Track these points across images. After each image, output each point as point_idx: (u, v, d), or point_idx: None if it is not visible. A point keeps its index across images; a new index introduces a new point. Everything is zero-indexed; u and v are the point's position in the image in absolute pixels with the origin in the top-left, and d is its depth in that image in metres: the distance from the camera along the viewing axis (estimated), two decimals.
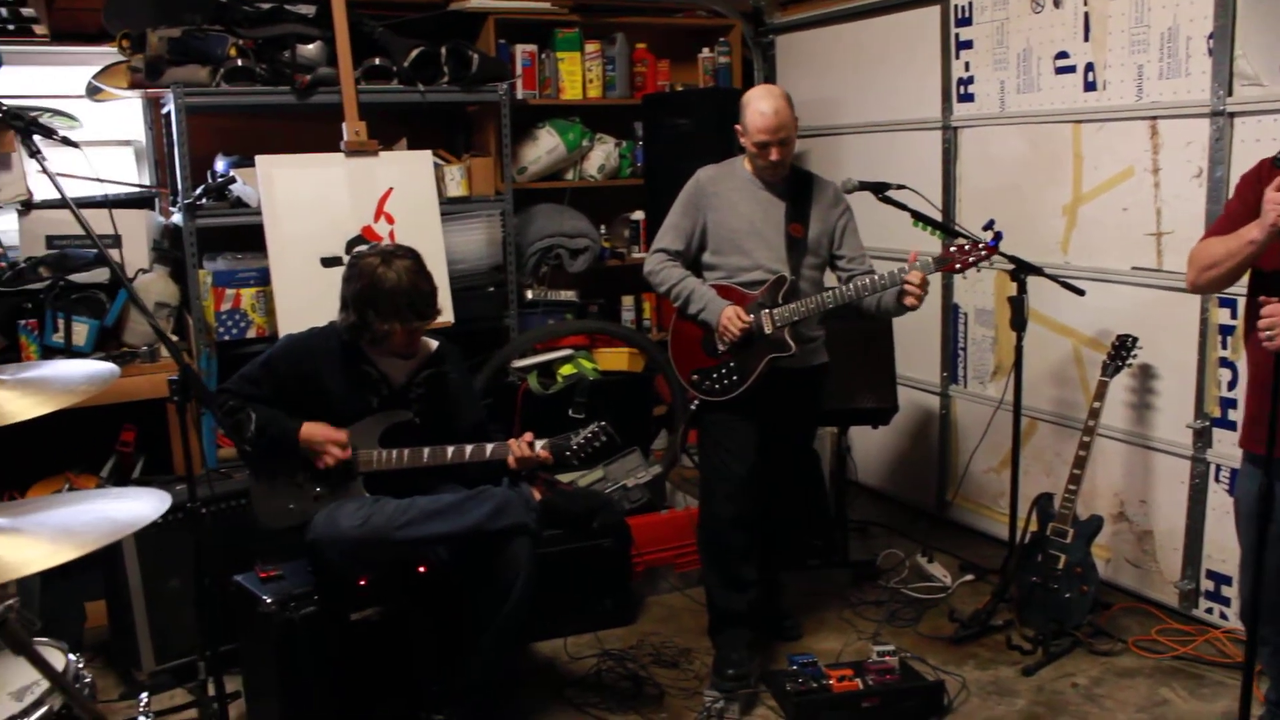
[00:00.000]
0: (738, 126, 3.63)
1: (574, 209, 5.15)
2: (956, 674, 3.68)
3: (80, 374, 2.01)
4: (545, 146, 5.00)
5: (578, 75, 5.15)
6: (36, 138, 2.82)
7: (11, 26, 4.02)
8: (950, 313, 4.89)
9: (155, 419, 4.14)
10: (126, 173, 4.78)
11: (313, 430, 3.28)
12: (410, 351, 3.38)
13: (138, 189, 4.67)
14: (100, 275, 4.11)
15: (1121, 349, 3.83)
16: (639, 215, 5.31)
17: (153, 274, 4.22)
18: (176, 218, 4.38)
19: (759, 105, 3.54)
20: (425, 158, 4.47)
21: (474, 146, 5.03)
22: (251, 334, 4.23)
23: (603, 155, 5.21)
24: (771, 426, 3.71)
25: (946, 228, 3.86)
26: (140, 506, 1.35)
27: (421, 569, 3.35)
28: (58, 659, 1.97)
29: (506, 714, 3.39)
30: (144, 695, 1.76)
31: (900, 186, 3.80)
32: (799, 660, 3.63)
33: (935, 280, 4.78)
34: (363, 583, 3.33)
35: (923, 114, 4.86)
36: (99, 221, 4.18)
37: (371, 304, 3.22)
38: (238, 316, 4.20)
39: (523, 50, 5.05)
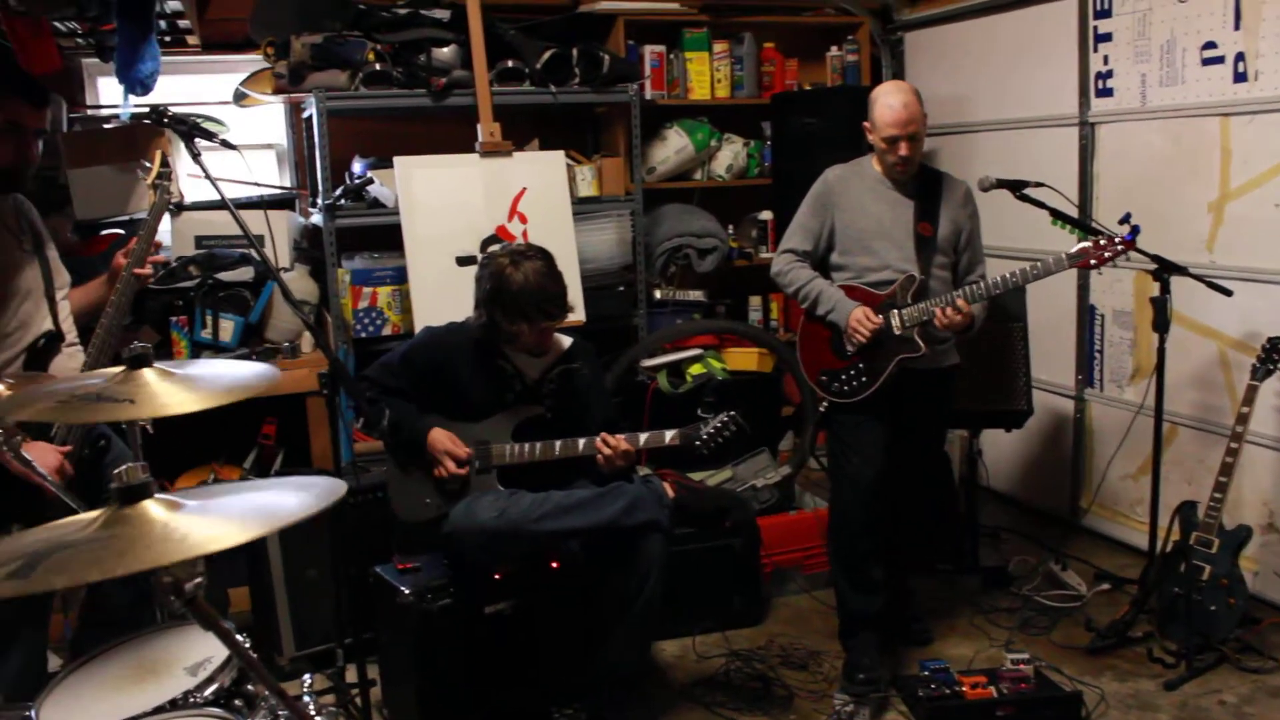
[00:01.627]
0: (866, 123, 3.60)
1: (702, 209, 5.16)
2: (1094, 685, 3.58)
3: (245, 374, 2.09)
4: (674, 146, 5.01)
5: (706, 75, 5.15)
6: (197, 141, 2.92)
7: (168, 38, 4.18)
8: (1086, 314, 4.76)
9: (294, 413, 4.28)
10: (268, 175, 4.94)
11: (438, 438, 3.35)
12: (542, 349, 3.43)
13: (280, 191, 4.82)
14: (245, 274, 4.27)
15: (1273, 352, 3.68)
16: (766, 215, 5.30)
17: (293, 273, 4.36)
18: (316, 218, 4.51)
19: (888, 100, 3.50)
20: (558, 158, 4.52)
21: (603, 147, 5.08)
22: (387, 331, 4.33)
23: (730, 155, 5.21)
24: (901, 428, 3.67)
25: (1085, 225, 3.77)
26: (318, 491, 1.39)
27: (554, 564, 3.39)
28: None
29: (635, 710, 3.41)
30: (307, 676, 1.81)
31: (1038, 184, 3.72)
32: (930, 666, 3.57)
33: (1070, 280, 4.68)
34: (497, 576, 3.38)
35: (1058, 110, 4.74)
36: (247, 221, 4.36)
37: (500, 304, 3.28)
38: (374, 314, 4.31)
39: (651, 51, 5.07)
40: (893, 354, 3.54)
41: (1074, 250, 3.39)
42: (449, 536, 3.29)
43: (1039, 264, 3.38)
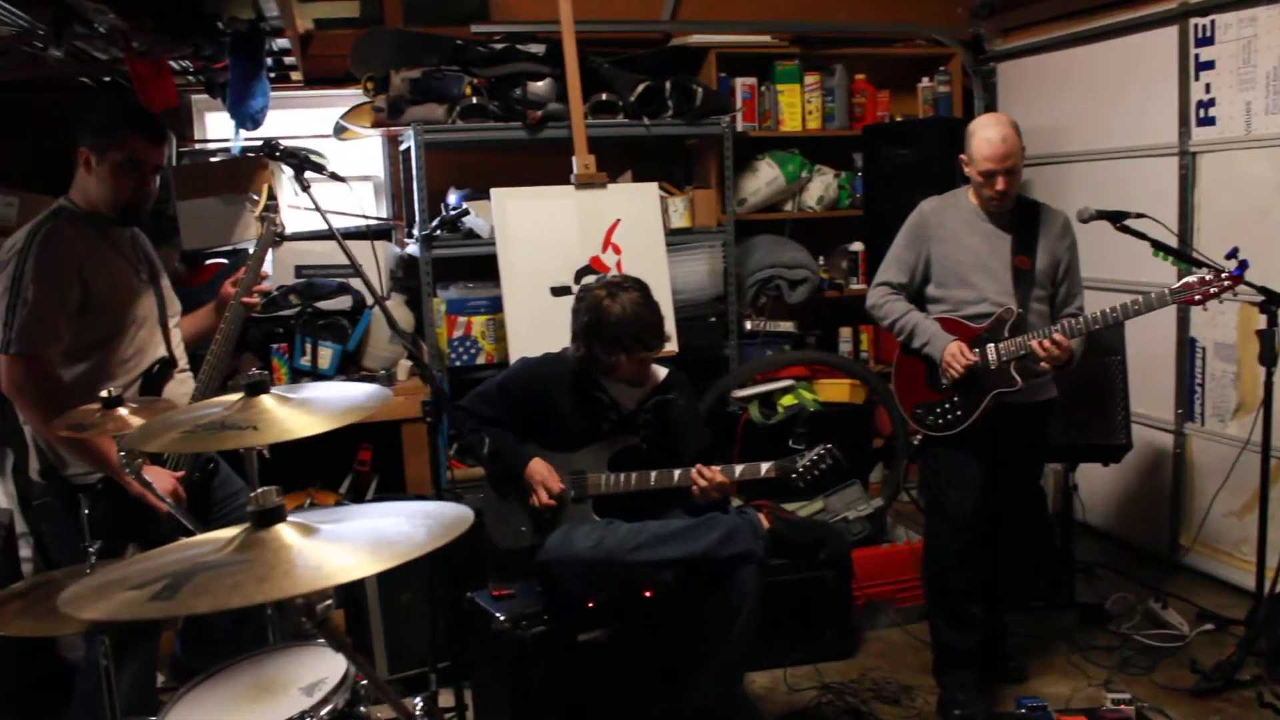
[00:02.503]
0: (963, 156, 3.58)
1: (793, 240, 5.16)
2: None
3: (359, 395, 2.13)
4: (765, 178, 5.03)
5: (797, 107, 5.17)
6: (307, 174, 3.01)
7: (273, 74, 4.31)
8: (1186, 347, 4.66)
9: (389, 440, 4.34)
10: (366, 207, 5.05)
11: (536, 469, 3.38)
12: (639, 380, 3.45)
13: (378, 222, 4.92)
14: (343, 303, 4.36)
15: None
16: (858, 247, 5.28)
17: (390, 302, 4.45)
18: (412, 248, 4.60)
19: (985, 133, 3.48)
20: (651, 190, 4.56)
21: (694, 179, 5.11)
22: (481, 360, 4.39)
23: (822, 186, 5.20)
24: (997, 462, 3.62)
25: (1188, 257, 3.70)
26: (446, 519, 1.42)
27: (647, 593, 3.39)
28: (340, 661, 2.08)
29: None
30: (417, 699, 1.84)
31: (1139, 215, 3.66)
32: (1028, 704, 3.51)
33: (1170, 313, 4.59)
34: (591, 605, 3.40)
35: (1157, 139, 4.67)
36: (342, 253, 4.45)
37: (598, 336, 3.31)
38: (469, 343, 4.37)
39: (743, 83, 5.10)
40: (989, 388, 3.51)
41: (1177, 286, 3.32)
42: (544, 564, 3.31)
43: (1140, 300, 3.33)
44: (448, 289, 4.43)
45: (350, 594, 3.93)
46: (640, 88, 4.55)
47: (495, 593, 3.47)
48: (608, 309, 3.28)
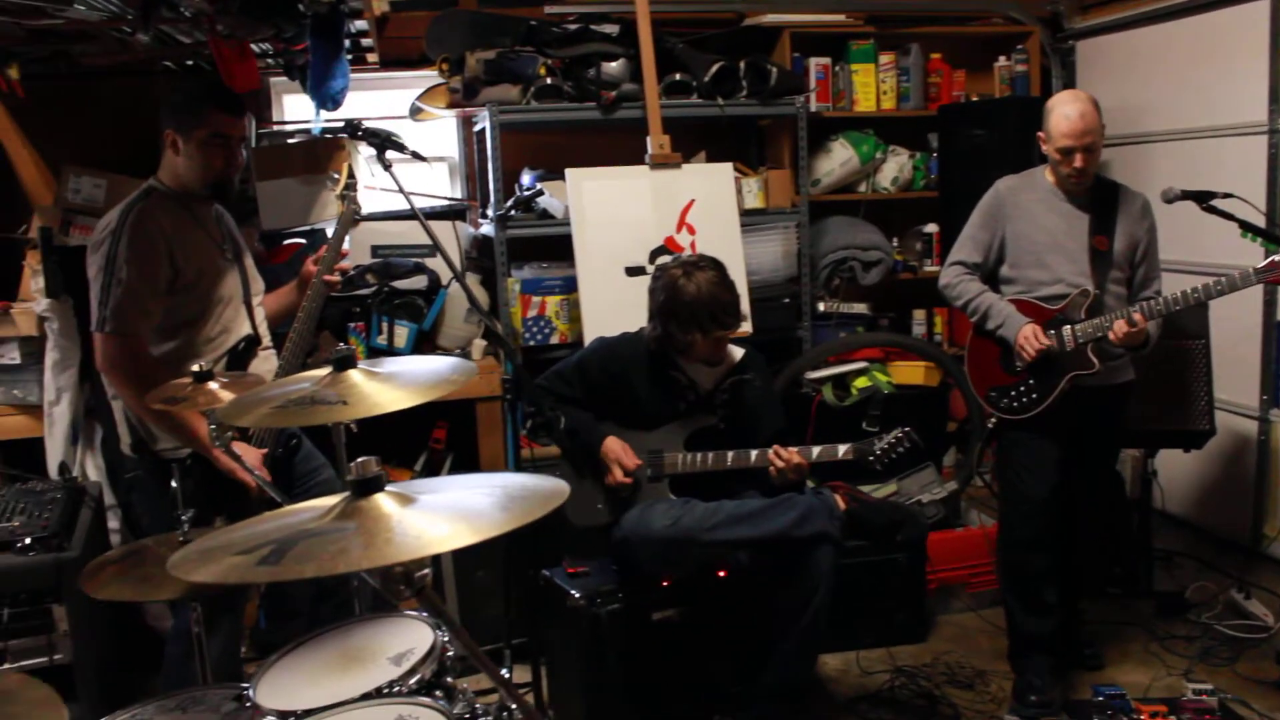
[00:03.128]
0: (1040, 134, 3.53)
1: (867, 221, 5.11)
2: None
3: (444, 369, 2.15)
4: (839, 159, 4.98)
5: (872, 87, 5.11)
6: (389, 153, 3.04)
7: (349, 56, 4.35)
8: (1273, 330, 4.55)
9: (463, 418, 4.39)
10: (440, 187, 5.08)
11: (612, 446, 3.40)
12: (716, 359, 3.45)
13: (451, 202, 4.96)
14: (419, 282, 4.40)
15: None
16: (932, 228, 5.22)
17: (466, 282, 4.47)
18: (486, 228, 4.63)
19: (1064, 109, 3.43)
20: (726, 170, 4.54)
21: (767, 159, 5.08)
22: (555, 340, 4.41)
23: (896, 167, 5.15)
24: (1072, 446, 3.58)
25: (1277, 238, 3.61)
26: (542, 492, 1.43)
27: (721, 573, 3.40)
28: (426, 632, 2.11)
29: None
30: (505, 671, 1.86)
31: (1226, 195, 3.58)
32: (1105, 691, 3.47)
33: (1256, 295, 4.48)
34: (665, 583, 3.42)
35: (1245, 118, 4.54)
36: (417, 233, 4.49)
37: (674, 315, 3.32)
38: (542, 323, 4.39)
39: (817, 63, 5.05)
40: (1064, 370, 3.46)
41: (1263, 265, 3.25)
42: (620, 542, 3.33)
43: (1223, 279, 3.26)
44: (522, 269, 4.46)
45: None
46: (715, 68, 4.52)
47: (570, 570, 3.50)
48: (683, 288, 3.29)
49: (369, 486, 1.40)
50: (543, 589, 3.54)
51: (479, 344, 4.41)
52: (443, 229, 4.54)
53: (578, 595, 3.37)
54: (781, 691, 3.32)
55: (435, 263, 4.42)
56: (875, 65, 5.12)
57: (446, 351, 4.42)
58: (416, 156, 3.20)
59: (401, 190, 3.01)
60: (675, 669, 3.42)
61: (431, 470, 4.49)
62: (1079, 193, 3.53)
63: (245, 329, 3.18)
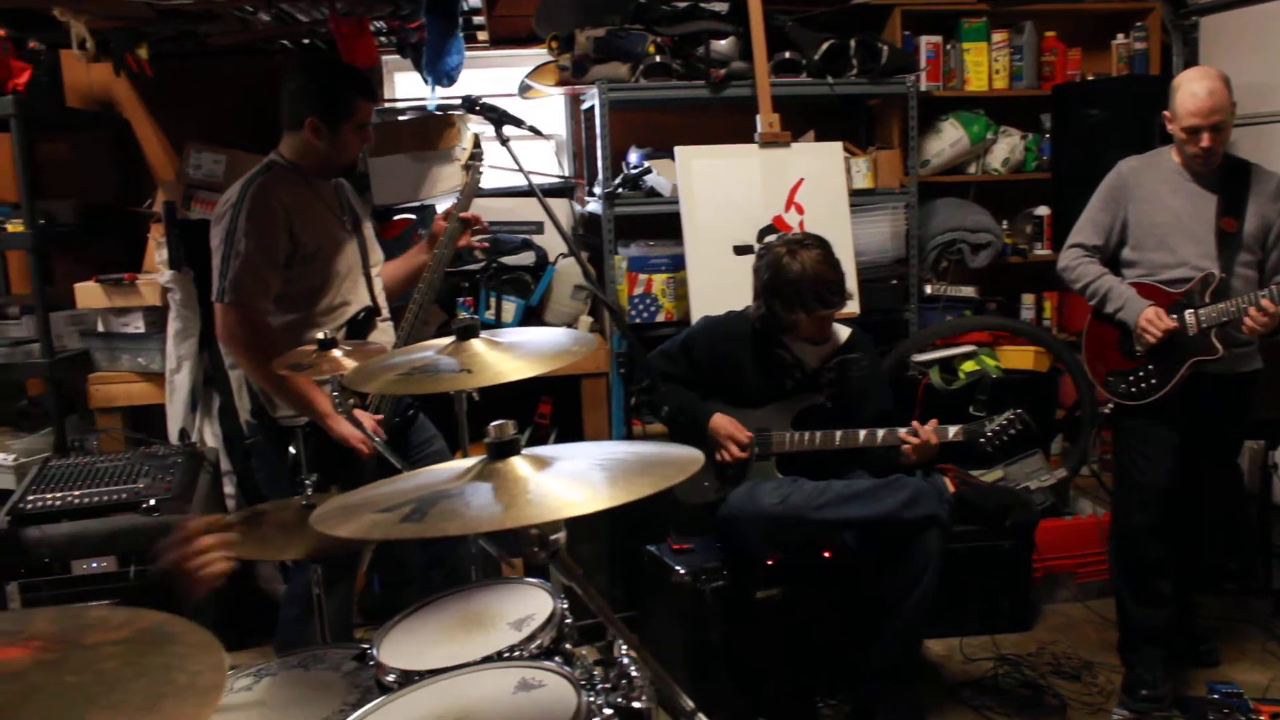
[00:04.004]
0: (1166, 112, 3.43)
1: (976, 203, 5.03)
2: None
3: (567, 340, 2.17)
4: (949, 139, 4.91)
5: (984, 66, 5.01)
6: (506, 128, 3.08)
7: (460, 34, 4.40)
8: None
9: (568, 394, 4.43)
10: (547, 164, 5.12)
11: (721, 423, 3.39)
12: (820, 338, 3.43)
13: (558, 179, 5.00)
14: (527, 259, 4.45)
15: None
16: (1043, 210, 5.11)
17: (571, 259, 4.51)
18: (592, 206, 4.66)
19: (1192, 86, 3.33)
20: (836, 149, 4.50)
21: (875, 139, 5.02)
22: (660, 318, 4.42)
23: (1007, 148, 5.04)
24: (1192, 434, 3.49)
25: None
26: (679, 458, 1.44)
27: (826, 553, 3.39)
28: (546, 600, 2.14)
29: (901, 706, 3.37)
30: (620, 643, 1.88)
31: None
32: (1221, 689, 3.38)
33: None
34: (769, 562, 3.41)
35: None
36: (525, 210, 4.55)
37: (778, 294, 3.31)
38: (649, 301, 4.41)
39: (928, 41, 4.97)
40: (1186, 356, 3.37)
41: None
42: (726, 520, 3.34)
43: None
44: (628, 246, 4.47)
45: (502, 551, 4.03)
46: (825, 46, 4.48)
47: (675, 546, 3.51)
48: (788, 266, 3.28)
49: (506, 449, 1.42)
50: (647, 564, 3.56)
51: (585, 320, 4.45)
52: (551, 206, 4.58)
53: (682, 571, 3.38)
54: (884, 674, 3.30)
55: (543, 239, 4.47)
56: (988, 44, 5.02)
57: (553, 328, 4.46)
58: (534, 131, 3.23)
59: (518, 165, 3.04)
60: (777, 648, 3.42)
61: (536, 445, 4.53)
62: (1206, 173, 3.43)
63: (364, 300, 3.24)
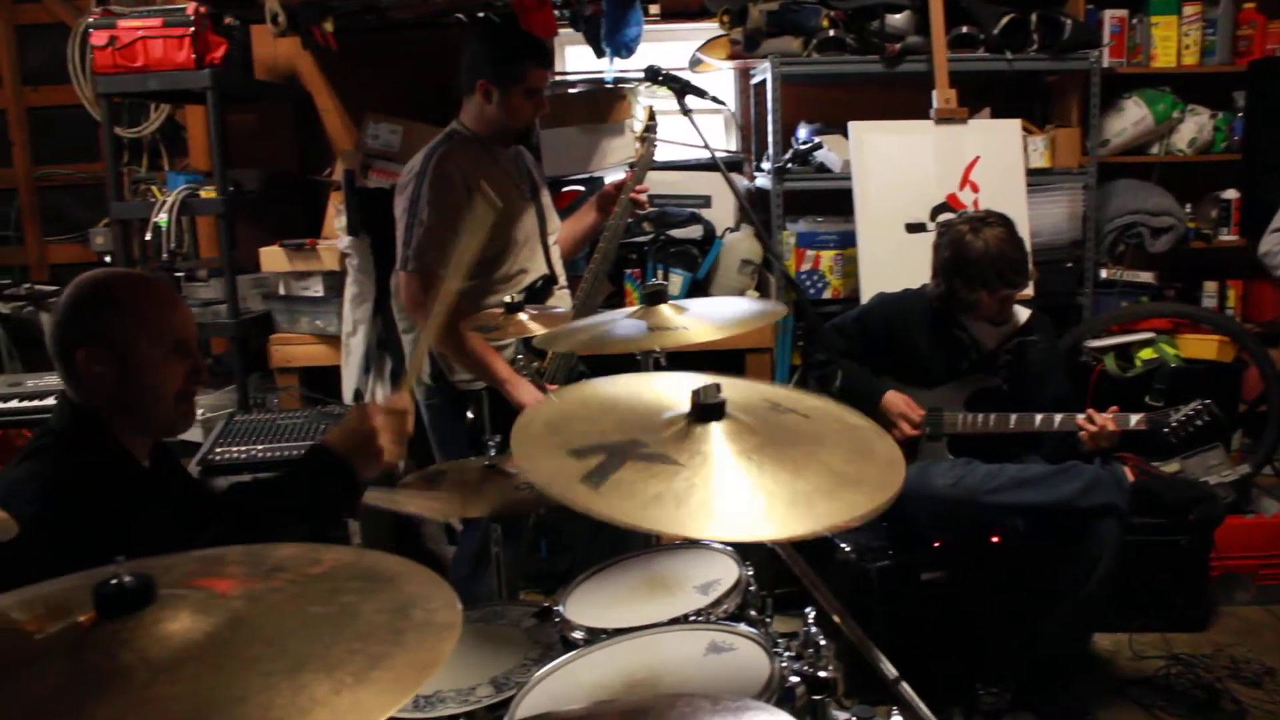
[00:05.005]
0: None
1: (1158, 185, 4.83)
2: None
3: (751, 309, 2.18)
4: (1131, 118, 4.72)
5: (1172, 41, 4.80)
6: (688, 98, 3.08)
7: (639, 6, 4.42)
8: None
9: (731, 368, 4.42)
10: (715, 138, 5.12)
11: (893, 401, 3.35)
12: (1001, 319, 3.35)
13: (727, 154, 4.98)
14: (694, 232, 4.45)
15: None
16: (1231, 194, 4.86)
17: (739, 233, 4.50)
18: (760, 181, 4.63)
19: None
20: (1014, 127, 4.39)
21: (1051, 117, 4.87)
22: (827, 295, 4.38)
23: (1194, 128, 4.82)
24: None
25: None
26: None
27: (995, 538, 3.32)
28: (732, 566, 2.15)
29: (1066, 698, 3.29)
30: (810, 609, 1.87)
31: None
32: None
33: None
34: (936, 544, 3.36)
35: None
36: (692, 183, 4.55)
37: (959, 272, 3.24)
38: (816, 277, 4.37)
39: (1112, 15, 4.78)
40: None
41: None
42: (896, 499, 3.29)
43: None
44: (796, 222, 4.44)
45: None
46: (1005, 20, 4.36)
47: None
48: (970, 244, 3.21)
49: (710, 413, 1.42)
50: (811, 541, 3.53)
51: (751, 295, 4.43)
52: (718, 181, 4.58)
53: (848, 549, 3.36)
54: (1051, 666, 3.23)
55: (710, 213, 4.47)
56: (1178, 17, 4.80)
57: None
58: (717, 101, 3.24)
59: (701, 136, 3.05)
60: (941, 632, 3.37)
61: None
62: None
63: (542, 268, 3.29)
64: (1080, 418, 3.15)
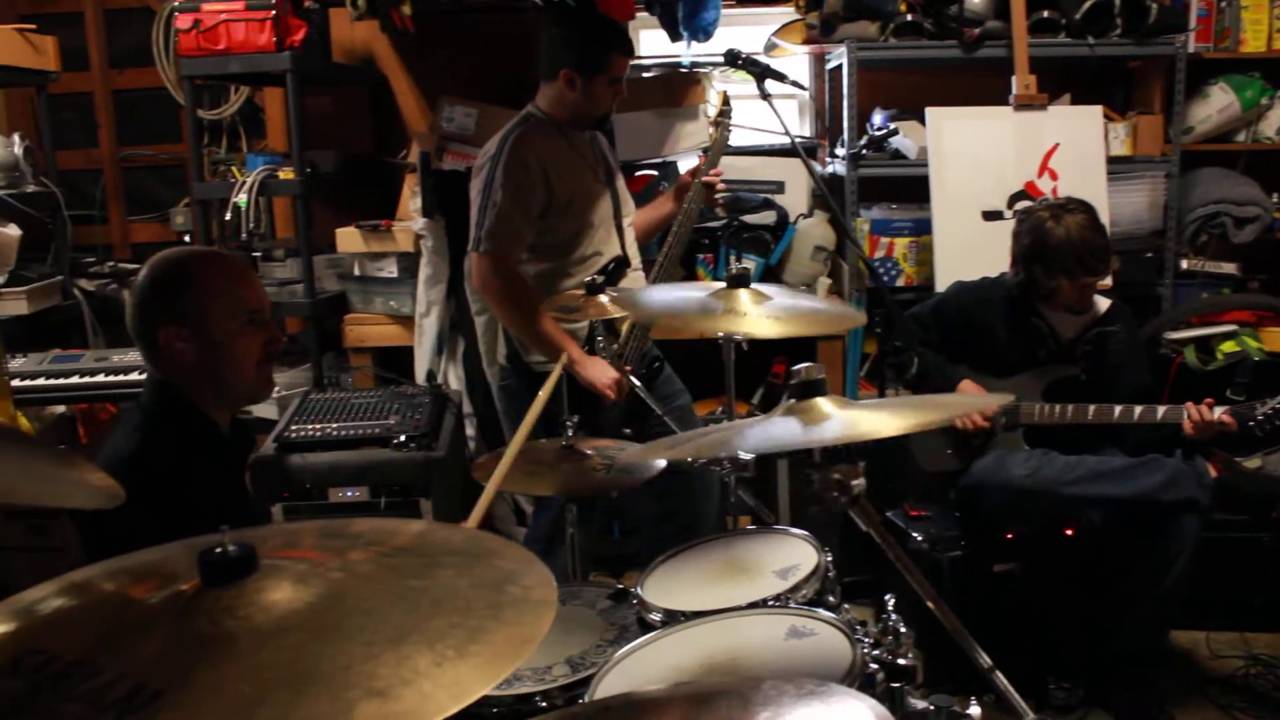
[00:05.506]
0: None
1: (1244, 174, 4.71)
2: None
3: (832, 310, 2.18)
4: (1216, 105, 4.60)
5: (1264, 24, 4.66)
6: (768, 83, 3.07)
7: None
8: None
9: (803, 356, 4.39)
10: (789, 124, 5.08)
11: (968, 390, 3.31)
12: (1082, 307, 3.31)
13: (801, 140, 4.95)
14: (767, 218, 4.44)
15: None
16: None
17: (812, 219, 4.48)
18: (833, 167, 4.60)
19: None
20: (1094, 113, 4.31)
21: (1133, 103, 4.77)
22: (900, 283, 4.34)
23: None
24: None
25: None
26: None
27: (1069, 530, 3.28)
28: (810, 552, 2.15)
29: (1141, 695, 3.24)
30: (890, 597, 1.86)
31: None
32: None
33: None
34: (1009, 535, 3.33)
35: None
36: (765, 169, 4.53)
37: (1040, 259, 3.20)
38: (889, 264, 4.34)
39: None
40: None
41: None
42: (970, 489, 3.27)
43: None
44: (870, 209, 4.41)
45: (763, 497, 4.02)
46: (1088, 3, 4.28)
47: (912, 513, 3.47)
48: (1051, 231, 3.18)
49: (811, 390, 1.42)
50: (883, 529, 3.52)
51: (824, 282, 4.41)
52: (791, 166, 4.56)
53: (920, 538, 3.34)
54: (1126, 662, 3.19)
55: (783, 198, 4.45)
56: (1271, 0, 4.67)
57: (791, 287, 4.45)
58: (797, 86, 3.22)
59: (780, 120, 3.04)
60: (1012, 625, 3.33)
61: (767, 404, 4.54)
62: None
63: (615, 250, 3.30)
64: (1163, 411, 3.10)
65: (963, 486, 3.29)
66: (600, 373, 3.06)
